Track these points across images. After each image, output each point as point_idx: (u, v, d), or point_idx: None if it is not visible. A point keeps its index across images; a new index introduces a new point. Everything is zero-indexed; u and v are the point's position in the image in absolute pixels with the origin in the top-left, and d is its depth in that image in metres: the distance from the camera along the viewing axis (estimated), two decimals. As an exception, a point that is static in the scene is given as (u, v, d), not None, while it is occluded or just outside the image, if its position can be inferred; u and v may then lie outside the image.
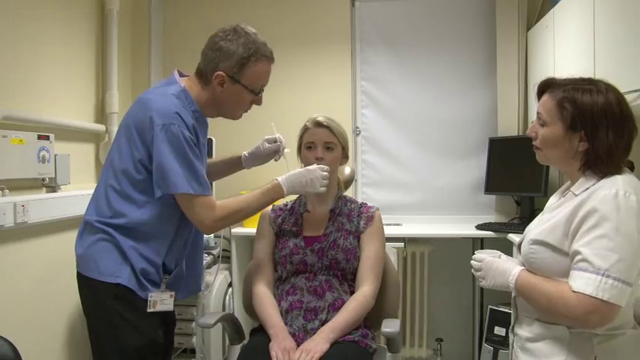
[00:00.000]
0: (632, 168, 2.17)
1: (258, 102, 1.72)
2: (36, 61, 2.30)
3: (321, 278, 1.81)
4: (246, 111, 1.73)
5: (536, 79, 2.72)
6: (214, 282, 2.80)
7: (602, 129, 1.23)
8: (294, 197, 2.00)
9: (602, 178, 1.25)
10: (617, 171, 1.24)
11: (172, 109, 1.53)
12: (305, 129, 1.90)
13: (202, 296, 2.67)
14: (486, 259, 1.41)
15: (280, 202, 1.99)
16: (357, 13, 3.25)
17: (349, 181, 2.12)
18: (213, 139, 2.82)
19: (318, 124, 1.87)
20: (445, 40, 3.17)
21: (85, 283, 1.60)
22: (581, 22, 2.11)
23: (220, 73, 1.60)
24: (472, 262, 1.45)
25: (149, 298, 1.58)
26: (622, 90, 1.69)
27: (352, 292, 1.81)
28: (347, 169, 2.12)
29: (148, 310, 1.57)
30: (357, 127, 3.26)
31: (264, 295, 1.82)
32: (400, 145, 3.24)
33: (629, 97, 1.68)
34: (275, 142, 1.92)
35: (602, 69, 1.91)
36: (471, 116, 3.16)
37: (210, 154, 2.79)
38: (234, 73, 1.61)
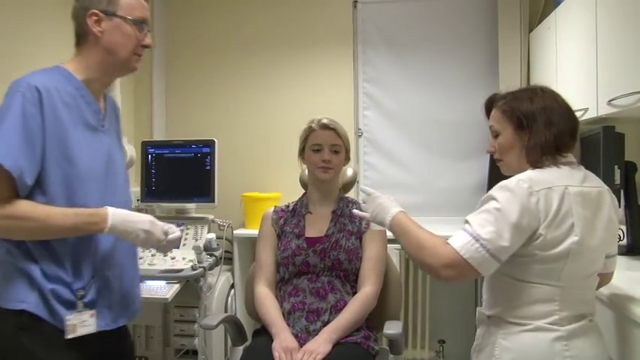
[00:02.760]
0: (634, 169, 2.18)
1: (146, 41, 1.51)
2: (36, 63, 2.29)
3: (323, 279, 1.81)
4: (139, 55, 1.52)
5: (538, 80, 2.72)
6: (216, 283, 2.80)
7: (540, 124, 1.34)
8: (295, 198, 2.01)
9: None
10: (539, 165, 1.34)
11: (26, 79, 1.34)
12: (310, 130, 1.89)
13: (204, 297, 2.67)
14: (375, 193, 1.52)
15: (282, 204, 1.99)
16: (359, 14, 3.25)
17: (351, 183, 2.12)
18: (216, 140, 2.81)
19: (325, 127, 1.87)
20: (447, 41, 3.17)
21: None
22: (583, 24, 2.11)
23: (93, 11, 1.42)
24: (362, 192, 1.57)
25: (66, 323, 1.29)
26: (624, 92, 1.71)
27: (354, 294, 1.81)
28: (349, 171, 2.11)
29: (68, 337, 1.29)
30: (359, 129, 3.27)
31: (266, 296, 1.82)
32: (402, 146, 3.24)
33: (631, 99, 1.69)
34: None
35: (604, 71, 1.91)
36: (473, 118, 3.14)
37: (212, 157, 2.77)
38: (106, 7, 1.44)
